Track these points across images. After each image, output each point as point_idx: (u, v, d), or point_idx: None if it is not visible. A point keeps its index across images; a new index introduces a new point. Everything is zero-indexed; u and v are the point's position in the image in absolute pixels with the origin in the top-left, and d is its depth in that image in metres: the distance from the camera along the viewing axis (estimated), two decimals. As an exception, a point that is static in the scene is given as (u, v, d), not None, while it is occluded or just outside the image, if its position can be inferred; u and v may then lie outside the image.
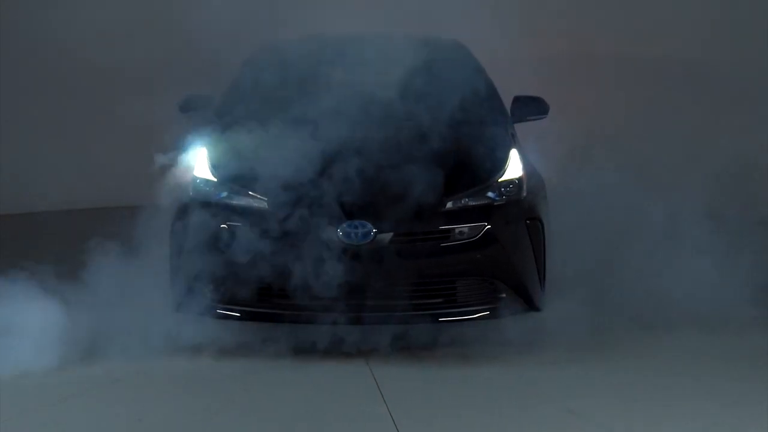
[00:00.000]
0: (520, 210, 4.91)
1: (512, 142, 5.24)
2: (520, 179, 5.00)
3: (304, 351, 4.80)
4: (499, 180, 4.96)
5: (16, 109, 8.88)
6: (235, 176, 4.91)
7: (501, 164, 5.01)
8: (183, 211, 4.90)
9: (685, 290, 5.58)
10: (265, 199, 4.80)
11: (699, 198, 7.36)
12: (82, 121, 8.84)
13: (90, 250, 5.35)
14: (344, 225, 4.68)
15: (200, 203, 4.87)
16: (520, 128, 5.61)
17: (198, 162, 5.06)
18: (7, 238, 7.70)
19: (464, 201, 4.86)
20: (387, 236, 4.70)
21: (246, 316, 4.79)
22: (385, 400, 4.25)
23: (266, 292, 4.74)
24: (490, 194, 4.91)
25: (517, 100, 5.63)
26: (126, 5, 8.25)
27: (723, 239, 6.22)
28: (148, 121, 5.74)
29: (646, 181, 7.51)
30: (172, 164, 5.21)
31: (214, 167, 4.99)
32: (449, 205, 4.83)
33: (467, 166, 4.99)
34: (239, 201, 4.86)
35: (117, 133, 7.79)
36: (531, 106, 5.60)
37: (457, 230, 4.78)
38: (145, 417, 4.08)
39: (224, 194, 4.89)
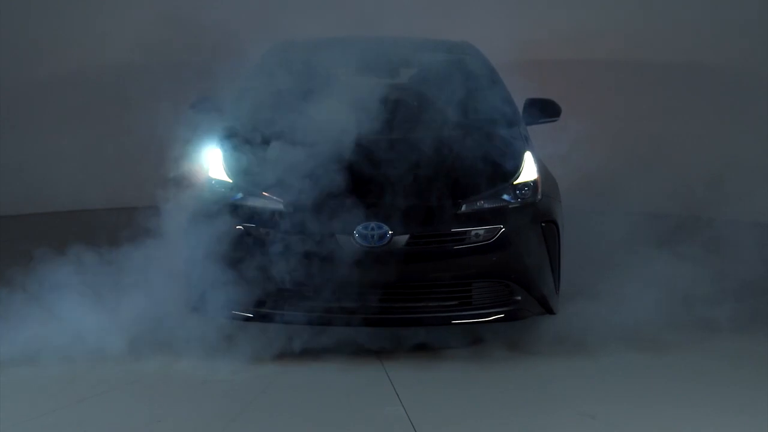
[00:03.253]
0: (535, 213, 4.91)
1: (526, 144, 5.24)
2: (534, 182, 5.00)
3: (319, 353, 4.81)
4: (514, 183, 4.96)
5: (17, 109, 8.85)
6: (250, 178, 4.91)
7: (516, 167, 5.02)
8: (198, 212, 4.89)
9: (694, 294, 5.59)
10: (281, 200, 4.80)
11: (700, 199, 7.42)
12: (90, 120, 8.82)
13: (98, 251, 5.36)
14: (360, 227, 4.69)
15: (215, 204, 4.86)
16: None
17: (212, 163, 5.06)
18: (9, 238, 7.69)
19: (479, 204, 4.86)
20: (403, 238, 4.69)
21: (261, 318, 4.78)
22: (401, 402, 4.26)
23: (281, 294, 4.73)
24: (505, 197, 4.91)
25: (530, 102, 5.63)
26: (134, 4, 8.23)
27: (726, 241, 6.27)
28: (158, 122, 5.74)
29: (646, 181, 7.56)
30: (185, 166, 5.21)
31: (229, 168, 4.99)
32: (464, 207, 4.82)
33: (482, 169, 4.98)
34: (254, 202, 4.85)
35: (127, 134, 7.76)
36: (543, 109, 5.61)
37: (472, 233, 4.78)
38: (164, 419, 4.09)
39: (239, 195, 4.89)
